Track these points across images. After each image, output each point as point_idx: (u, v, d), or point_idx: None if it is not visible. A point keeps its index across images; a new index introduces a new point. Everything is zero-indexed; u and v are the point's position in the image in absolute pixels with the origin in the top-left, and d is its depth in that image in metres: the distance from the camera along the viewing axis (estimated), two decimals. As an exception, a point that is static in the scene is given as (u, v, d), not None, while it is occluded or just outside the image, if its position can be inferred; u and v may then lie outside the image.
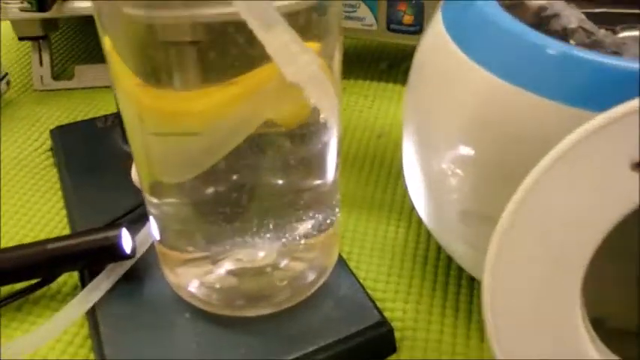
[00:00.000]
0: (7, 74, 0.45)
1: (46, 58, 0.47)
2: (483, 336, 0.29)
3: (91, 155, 0.38)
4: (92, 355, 0.28)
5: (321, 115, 0.24)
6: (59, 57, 0.51)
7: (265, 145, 0.26)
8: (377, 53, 0.51)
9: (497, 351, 0.19)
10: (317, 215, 0.28)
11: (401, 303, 0.31)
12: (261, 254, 0.28)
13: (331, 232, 0.30)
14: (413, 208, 0.36)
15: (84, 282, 0.30)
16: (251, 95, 0.24)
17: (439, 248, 0.34)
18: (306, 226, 0.28)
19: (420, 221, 0.35)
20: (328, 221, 0.29)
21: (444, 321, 0.30)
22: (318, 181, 0.28)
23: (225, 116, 0.25)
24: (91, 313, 0.28)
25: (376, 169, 0.39)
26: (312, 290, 0.29)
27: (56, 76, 0.48)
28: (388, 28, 0.44)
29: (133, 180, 0.33)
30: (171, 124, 0.26)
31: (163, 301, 0.29)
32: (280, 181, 0.27)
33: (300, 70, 0.21)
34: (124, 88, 0.25)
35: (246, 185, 0.27)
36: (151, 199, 0.28)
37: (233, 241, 0.28)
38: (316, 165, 0.28)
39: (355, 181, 0.38)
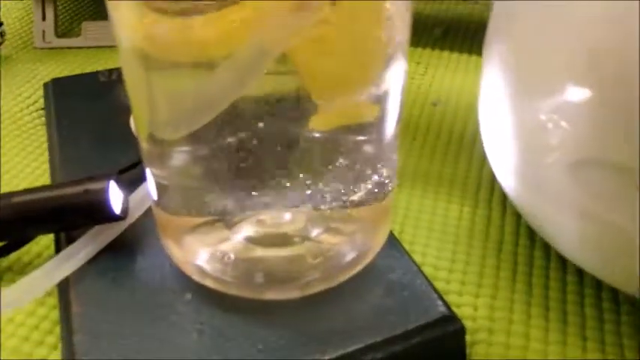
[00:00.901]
0: (1, 24, 0.39)
1: (49, 11, 0.41)
2: (587, 344, 0.22)
3: (88, 111, 0.32)
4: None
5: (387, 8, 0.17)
6: (65, 11, 0.45)
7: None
8: (430, 19, 0.44)
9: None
10: (363, 178, 0.21)
11: (470, 297, 0.23)
12: (288, 216, 0.21)
13: (382, 204, 0.23)
14: (480, 184, 0.29)
15: (59, 249, 0.23)
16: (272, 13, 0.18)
17: (517, 231, 0.26)
18: (347, 191, 0.21)
19: (489, 200, 0.28)
20: (378, 189, 0.22)
21: (530, 322, 0.22)
22: (371, 133, 0.21)
23: (244, 41, 0.18)
24: (64, 289, 0.22)
25: (431, 139, 0.32)
26: (353, 272, 0.22)
27: (61, 34, 0.42)
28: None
29: (132, 130, 0.26)
30: (182, 54, 0.19)
31: (159, 277, 0.22)
32: (318, 132, 0.21)
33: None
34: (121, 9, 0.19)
35: (273, 131, 0.20)
36: (150, 150, 0.21)
37: (254, 199, 0.21)
38: (370, 108, 0.21)
39: (406, 153, 0.31)
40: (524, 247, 0.25)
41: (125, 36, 0.20)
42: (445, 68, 0.38)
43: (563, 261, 0.24)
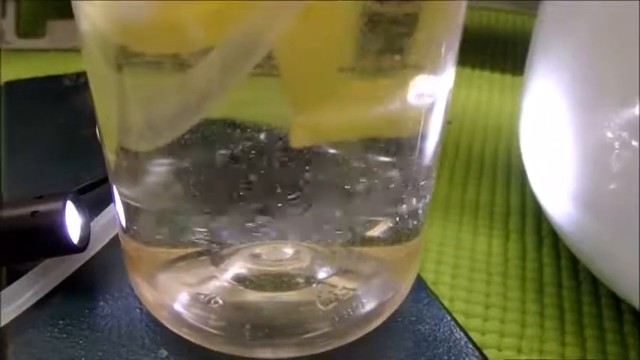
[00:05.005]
0: (-47, 19, 0.34)
1: (10, 8, 0.36)
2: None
3: (49, 119, 0.27)
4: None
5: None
6: (28, 8, 0.40)
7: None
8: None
9: None
10: (387, 210, 0.17)
11: (511, 352, 0.19)
12: (289, 252, 0.17)
13: (410, 244, 0.18)
14: (509, 212, 0.25)
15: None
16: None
17: (558, 267, 0.22)
18: (366, 224, 0.17)
19: (521, 230, 0.24)
20: (404, 225, 0.17)
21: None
22: (398, 155, 0.17)
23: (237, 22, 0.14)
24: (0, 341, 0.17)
25: (449, 161, 0.28)
26: (372, 326, 0.17)
27: (23, 33, 0.37)
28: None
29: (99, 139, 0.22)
30: (163, 43, 0.15)
31: (127, 327, 0.17)
32: (332, 148, 0.16)
33: None
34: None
35: (273, 143, 0.15)
36: (119, 163, 0.17)
37: (247, 227, 0.16)
38: (400, 120, 0.16)
39: (421, 174, 0.27)
40: (569, 290, 0.21)
41: (89, 21, 0.15)
42: (457, 85, 0.34)
43: (617, 307, 0.20)
